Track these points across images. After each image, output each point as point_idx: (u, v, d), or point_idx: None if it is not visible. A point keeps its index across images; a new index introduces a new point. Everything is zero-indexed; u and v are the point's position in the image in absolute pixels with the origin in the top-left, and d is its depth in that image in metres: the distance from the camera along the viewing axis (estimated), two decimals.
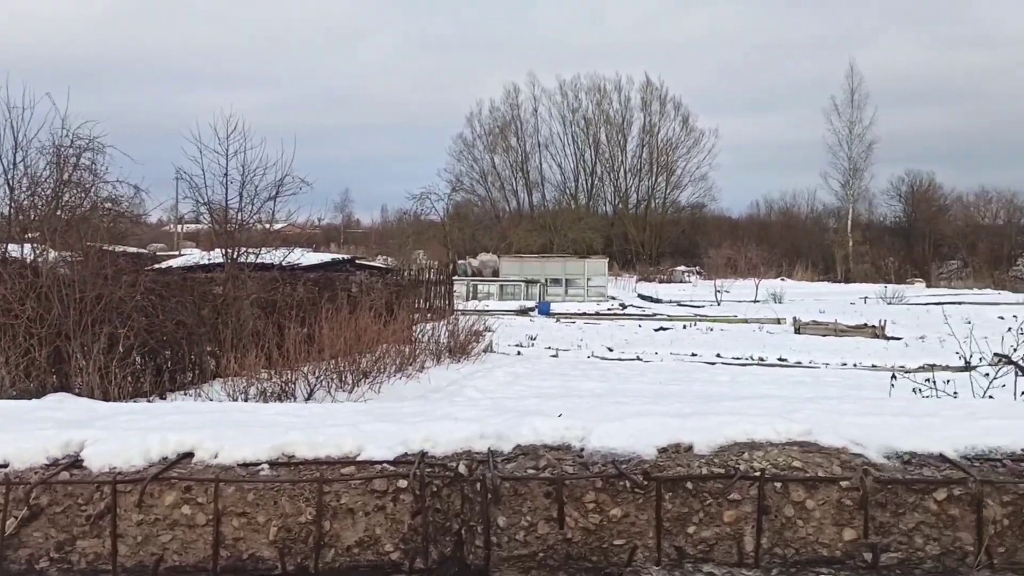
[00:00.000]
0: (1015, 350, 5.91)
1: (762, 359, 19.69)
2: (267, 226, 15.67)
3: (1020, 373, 14.50)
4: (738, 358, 19.82)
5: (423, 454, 2.87)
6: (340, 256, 23.47)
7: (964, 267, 58.11)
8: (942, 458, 2.88)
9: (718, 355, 20.29)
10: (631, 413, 3.19)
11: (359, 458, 2.84)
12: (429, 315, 22.16)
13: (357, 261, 22.20)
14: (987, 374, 5.70)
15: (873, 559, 2.76)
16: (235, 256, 14.58)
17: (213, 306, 13.52)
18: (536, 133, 70.55)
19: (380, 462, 2.83)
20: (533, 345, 21.95)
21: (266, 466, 2.82)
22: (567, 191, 71.31)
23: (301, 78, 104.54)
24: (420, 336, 16.95)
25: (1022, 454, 2.91)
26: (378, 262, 31.31)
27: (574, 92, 70.11)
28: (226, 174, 15.01)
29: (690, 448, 2.90)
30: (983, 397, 4.94)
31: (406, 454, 2.88)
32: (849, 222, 62.70)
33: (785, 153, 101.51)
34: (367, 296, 16.38)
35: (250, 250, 14.84)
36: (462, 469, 2.82)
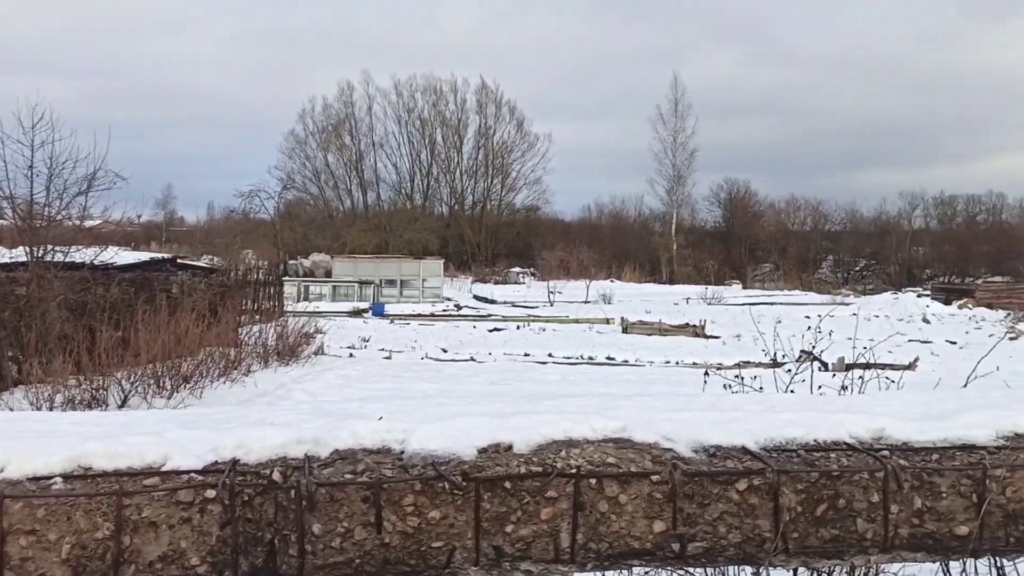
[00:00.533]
0: (814, 347, 6.40)
1: (591, 358, 20.27)
2: (78, 223, 14.70)
3: (823, 368, 15.62)
4: (569, 357, 20.31)
5: (235, 462, 2.76)
6: (160, 255, 22.34)
7: (776, 270, 62.04)
8: (744, 450, 3.04)
9: (550, 355, 20.73)
10: (453, 414, 3.18)
11: (164, 468, 2.70)
12: (257, 317, 21.49)
13: (179, 260, 21.18)
14: (789, 370, 6.13)
15: (680, 549, 2.88)
16: (41, 255, 13.59)
17: (15, 308, 12.56)
18: (371, 132, 69.76)
19: (187, 472, 2.70)
20: (366, 347, 21.69)
21: (59, 479, 2.63)
22: (403, 191, 70.95)
23: (121, 68, 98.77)
24: (247, 339, 16.40)
25: (814, 444, 3.11)
26: (203, 262, 30.05)
27: (409, 92, 69.85)
28: (31, 166, 13.98)
29: (510, 448, 2.92)
30: (785, 391, 5.28)
31: (216, 462, 2.76)
32: (673, 226, 65.60)
33: (615, 160, 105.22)
34: (189, 297, 15.67)
35: (58, 248, 13.87)
36: (276, 476, 2.73)
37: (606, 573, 3.18)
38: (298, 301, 30.26)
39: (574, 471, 2.86)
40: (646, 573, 3.85)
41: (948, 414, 3.38)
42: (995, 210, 66.33)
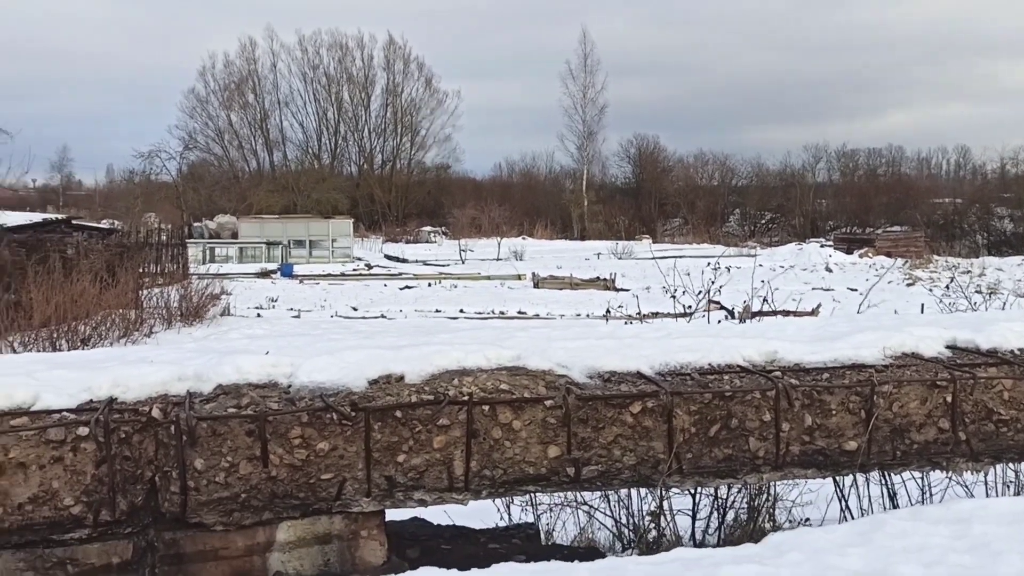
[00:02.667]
0: (710, 292, 6.51)
1: (503, 313, 20.29)
2: None
3: (728, 315, 15.94)
4: (480, 313, 20.29)
5: (111, 400, 2.63)
6: (53, 216, 21.37)
7: (685, 224, 63.00)
8: (639, 375, 3.04)
9: (461, 310, 20.67)
10: (344, 347, 3.09)
11: (34, 408, 2.55)
12: (160, 279, 20.81)
13: (74, 222, 20.31)
14: (692, 315, 6.21)
15: (576, 473, 2.87)
16: None
17: None
18: (275, 90, 67.51)
19: (59, 411, 2.55)
20: (274, 307, 21.23)
21: None
22: (310, 151, 69.20)
23: (5, 26, 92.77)
24: (149, 300, 15.87)
25: (708, 368, 3.13)
26: (104, 224, 28.92)
27: (315, 48, 67.76)
28: None
29: (401, 378, 2.86)
30: None
31: (91, 401, 2.62)
32: (584, 183, 65.86)
33: (524, 117, 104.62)
34: (85, 259, 15.06)
35: None
36: (156, 413, 2.61)
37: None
38: (203, 263, 29.41)
39: (466, 398, 2.81)
40: (548, 510, 3.85)
41: (839, 336, 3.44)
42: (894, 163, 68.70)
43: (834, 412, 3.05)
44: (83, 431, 2.48)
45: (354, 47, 68.15)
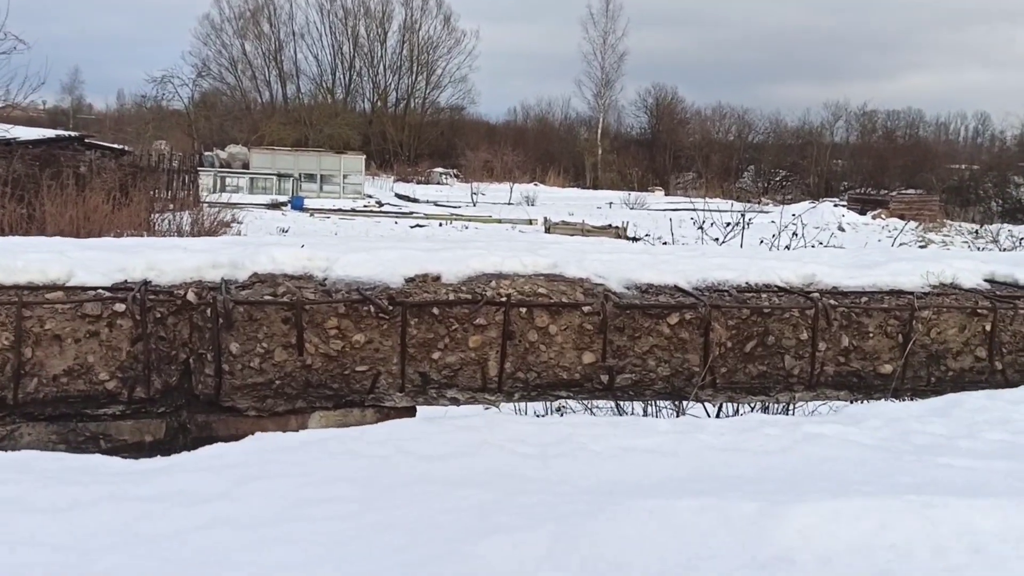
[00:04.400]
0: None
1: None
2: None
3: None
4: None
5: (146, 282, 2.60)
6: (66, 133, 21.23)
7: (699, 177, 62.50)
8: (676, 288, 3.00)
9: None
10: (379, 247, 3.05)
11: (69, 284, 2.52)
12: (171, 205, 20.75)
13: (87, 140, 20.17)
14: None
15: (609, 381, 2.84)
16: None
17: None
18: (291, 20, 66.55)
19: (94, 288, 2.53)
20: (285, 237, 21.24)
21: None
22: (324, 85, 68.42)
23: None
24: (160, 223, 15.84)
25: (746, 286, 3.09)
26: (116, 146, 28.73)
27: None
28: None
29: (438, 278, 2.82)
30: None
31: (126, 281, 2.59)
32: (599, 131, 65.27)
33: (543, 62, 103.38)
34: (98, 177, 14.99)
35: None
36: (191, 297, 2.58)
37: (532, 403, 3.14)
38: (214, 192, 29.28)
39: (504, 299, 2.77)
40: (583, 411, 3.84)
41: (876, 264, 3.40)
42: (912, 125, 67.87)
43: (871, 335, 3.02)
44: (119, 307, 2.46)
45: None
